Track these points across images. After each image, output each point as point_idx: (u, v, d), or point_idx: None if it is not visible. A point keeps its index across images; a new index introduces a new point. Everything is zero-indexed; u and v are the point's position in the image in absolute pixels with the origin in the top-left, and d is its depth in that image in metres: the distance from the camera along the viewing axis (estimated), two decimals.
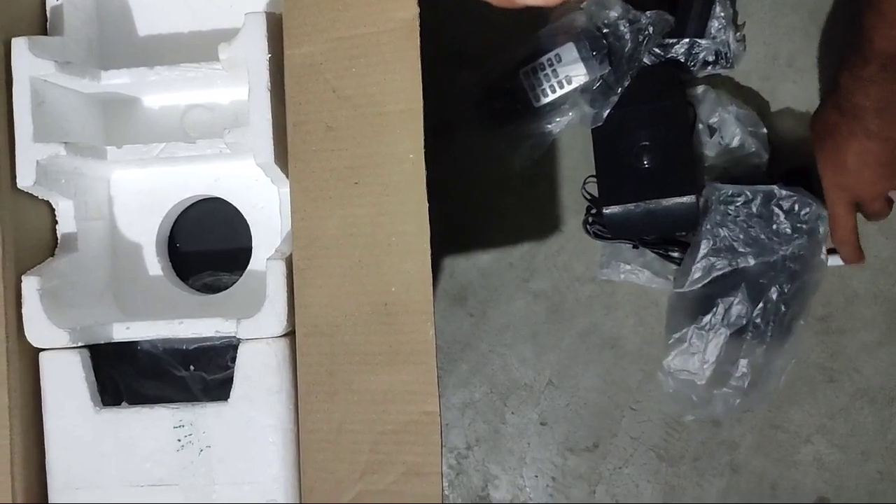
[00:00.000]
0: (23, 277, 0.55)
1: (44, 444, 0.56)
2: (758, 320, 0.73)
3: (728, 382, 0.75)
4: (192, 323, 0.57)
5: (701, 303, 0.77)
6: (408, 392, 0.51)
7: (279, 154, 0.54)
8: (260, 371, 0.54)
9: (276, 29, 0.54)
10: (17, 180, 0.56)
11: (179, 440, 0.55)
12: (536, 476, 0.88)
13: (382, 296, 0.51)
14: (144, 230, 0.65)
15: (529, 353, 0.89)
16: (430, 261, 0.51)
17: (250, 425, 0.54)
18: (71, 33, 0.61)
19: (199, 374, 0.60)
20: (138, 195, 0.64)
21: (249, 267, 0.63)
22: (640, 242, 0.85)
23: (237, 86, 0.59)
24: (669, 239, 0.85)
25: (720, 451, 0.85)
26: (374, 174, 0.52)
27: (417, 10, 0.50)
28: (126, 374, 0.60)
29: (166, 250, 0.65)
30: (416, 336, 0.51)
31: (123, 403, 0.57)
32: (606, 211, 0.82)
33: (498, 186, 0.90)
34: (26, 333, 0.55)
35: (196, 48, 0.63)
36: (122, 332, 0.57)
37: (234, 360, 0.59)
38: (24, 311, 0.55)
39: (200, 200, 0.65)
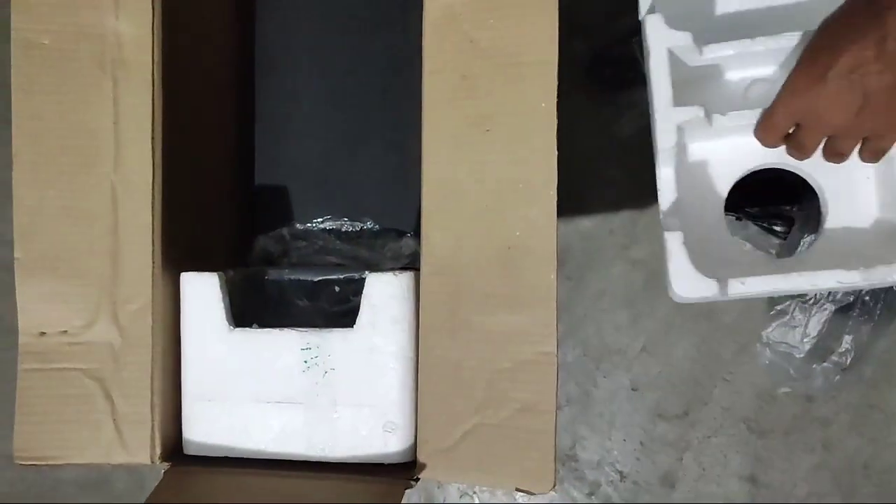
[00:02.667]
0: (666, 234, 0.58)
1: (180, 360, 0.61)
2: (866, 298, 0.73)
3: (829, 358, 0.75)
4: (810, 275, 0.56)
5: None
6: (526, 333, 0.53)
7: None
8: (386, 301, 0.57)
9: None
10: (659, 143, 0.60)
11: (306, 362, 0.58)
12: (625, 440, 0.90)
13: (507, 240, 0.54)
14: (712, 195, 0.67)
15: (624, 319, 0.90)
16: (555, 208, 0.53)
17: (373, 351, 0.57)
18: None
19: (322, 305, 0.64)
20: (707, 163, 0.67)
21: (825, 226, 0.65)
22: (744, 214, 0.86)
23: None
24: (774, 212, 0.85)
25: (813, 427, 0.85)
26: (506, 122, 0.54)
27: None
28: (254, 301, 0.64)
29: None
30: (538, 280, 0.53)
31: (254, 325, 0.60)
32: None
33: (602, 153, 0.91)
34: (677, 286, 0.57)
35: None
36: (738, 287, 0.57)
37: (355, 294, 0.63)
38: (674, 263, 0.58)
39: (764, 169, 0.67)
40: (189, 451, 0.61)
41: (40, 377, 0.59)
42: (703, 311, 0.88)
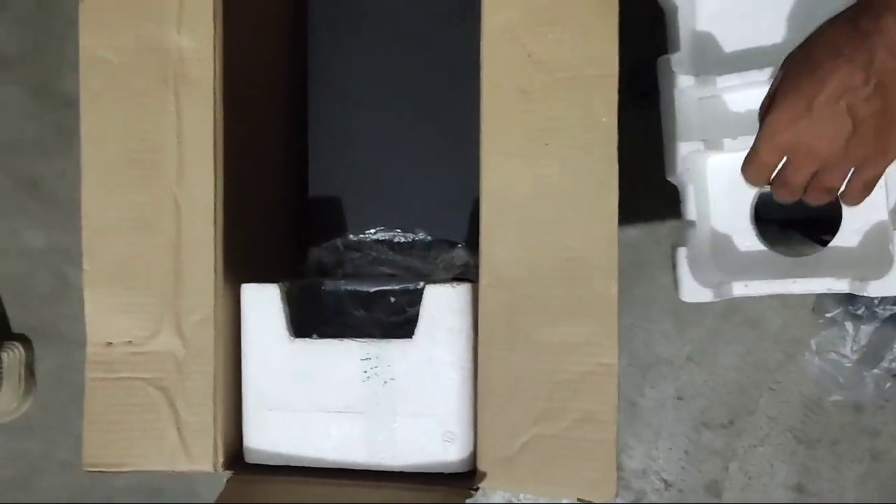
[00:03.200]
0: (677, 249, 0.68)
1: (241, 370, 0.62)
2: None
3: (880, 364, 0.75)
4: (804, 282, 0.64)
5: None
6: (586, 344, 0.54)
7: None
8: (444, 312, 0.58)
9: None
10: (667, 172, 0.71)
11: (366, 371, 0.59)
12: (670, 448, 0.90)
13: (567, 252, 0.54)
14: (736, 204, 0.72)
15: (671, 328, 0.90)
16: (616, 221, 0.53)
17: (432, 362, 0.58)
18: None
19: (378, 315, 0.64)
20: (731, 175, 0.72)
21: (841, 230, 0.69)
22: (790, 223, 0.85)
23: None
24: (819, 220, 0.85)
25: (861, 437, 0.85)
26: (566, 136, 0.54)
27: None
28: (311, 311, 0.64)
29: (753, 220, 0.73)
30: (599, 291, 0.53)
31: (314, 336, 0.61)
32: (762, 191, 0.82)
33: (648, 162, 0.91)
34: (682, 292, 0.68)
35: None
36: (741, 289, 0.66)
37: (411, 305, 0.63)
38: (678, 273, 0.69)
39: None
40: (250, 459, 0.62)
41: (107, 386, 0.61)
42: (748, 320, 0.88)
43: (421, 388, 0.58)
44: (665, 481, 0.90)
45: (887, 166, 0.49)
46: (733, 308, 0.89)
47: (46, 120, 1.10)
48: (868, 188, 0.50)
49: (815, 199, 0.51)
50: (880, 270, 0.64)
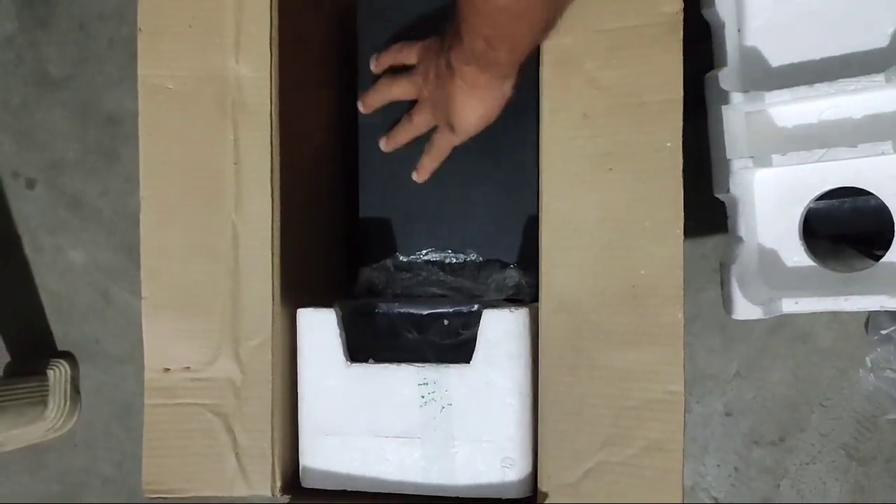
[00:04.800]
0: (727, 266, 0.67)
1: (297, 395, 0.62)
2: None
3: None
4: (857, 299, 0.63)
5: None
6: (652, 371, 0.53)
7: None
8: (502, 337, 0.57)
9: None
10: (715, 189, 0.70)
11: (423, 397, 0.59)
12: (719, 465, 0.89)
13: (631, 278, 0.54)
14: (785, 219, 0.72)
15: (717, 343, 0.89)
16: (682, 247, 0.53)
17: (490, 387, 0.58)
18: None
19: (432, 338, 0.64)
20: (779, 190, 0.72)
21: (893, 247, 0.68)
22: (840, 238, 0.84)
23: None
24: (871, 234, 0.84)
25: None
26: (630, 161, 0.54)
27: (682, 4, 0.52)
28: (363, 333, 0.64)
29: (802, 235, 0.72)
30: (664, 318, 0.53)
31: (370, 360, 0.61)
32: (811, 206, 0.81)
33: (694, 176, 0.90)
34: (731, 309, 0.67)
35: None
36: (791, 306, 0.65)
37: (464, 327, 0.63)
38: (728, 290, 0.67)
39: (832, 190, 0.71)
40: (307, 483, 0.62)
41: (165, 412, 0.61)
42: (798, 335, 0.87)
43: (479, 414, 0.58)
44: (715, 498, 0.89)
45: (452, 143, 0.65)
46: (782, 323, 0.87)
47: (88, 139, 1.11)
48: (432, 151, 0.67)
49: (403, 122, 0.68)
50: None
